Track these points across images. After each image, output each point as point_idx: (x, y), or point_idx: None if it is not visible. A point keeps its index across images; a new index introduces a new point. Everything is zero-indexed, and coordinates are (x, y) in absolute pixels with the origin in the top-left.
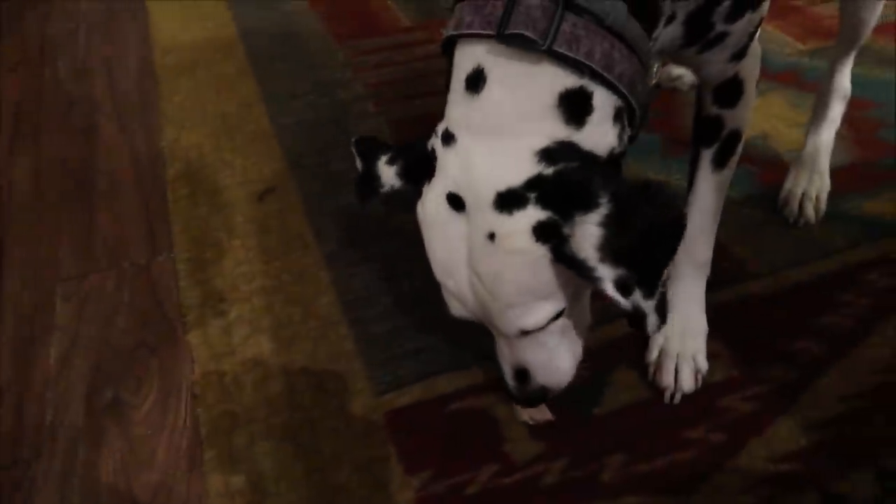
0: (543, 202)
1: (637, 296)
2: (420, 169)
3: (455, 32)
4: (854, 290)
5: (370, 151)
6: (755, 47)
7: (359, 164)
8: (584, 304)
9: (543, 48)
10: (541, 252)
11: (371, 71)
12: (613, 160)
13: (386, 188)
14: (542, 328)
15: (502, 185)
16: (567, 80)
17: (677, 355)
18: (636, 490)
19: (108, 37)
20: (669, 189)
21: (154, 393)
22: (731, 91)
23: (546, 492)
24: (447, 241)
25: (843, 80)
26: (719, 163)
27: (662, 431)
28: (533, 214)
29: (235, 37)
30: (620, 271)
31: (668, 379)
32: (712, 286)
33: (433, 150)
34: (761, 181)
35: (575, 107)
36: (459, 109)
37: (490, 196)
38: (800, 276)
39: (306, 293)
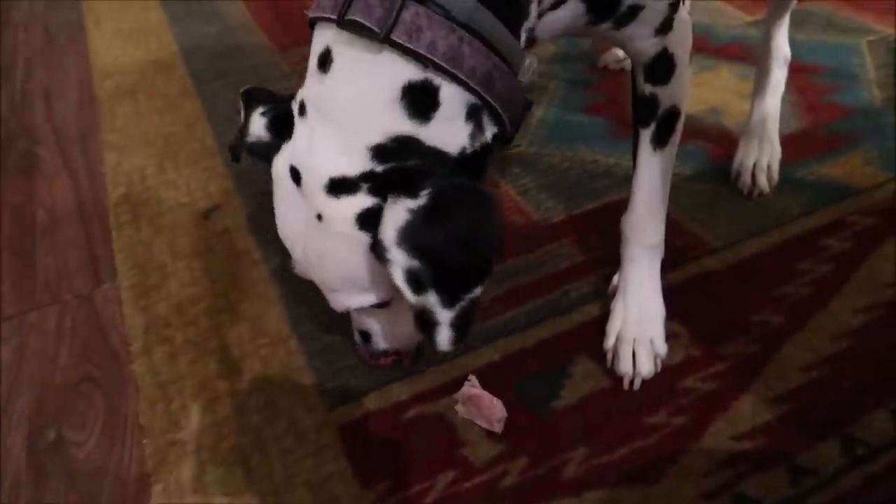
0: (374, 192)
1: (431, 298)
2: (286, 124)
3: (312, 14)
4: (812, 258)
5: (253, 103)
6: (684, 18)
7: (242, 115)
8: None
9: (381, 37)
10: (363, 240)
11: None
12: (467, 160)
13: (252, 138)
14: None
15: (336, 173)
16: (410, 72)
17: (634, 340)
18: (599, 482)
19: (48, 66)
20: (498, 204)
21: (99, 428)
22: (662, 67)
23: (507, 494)
24: (289, 210)
25: (782, 44)
26: (660, 141)
27: (624, 419)
28: (361, 202)
29: (177, 56)
30: (414, 263)
31: (625, 365)
32: (667, 265)
33: (291, 114)
34: (713, 156)
35: (418, 101)
36: (312, 86)
37: (323, 180)
38: (756, 247)
39: (254, 310)
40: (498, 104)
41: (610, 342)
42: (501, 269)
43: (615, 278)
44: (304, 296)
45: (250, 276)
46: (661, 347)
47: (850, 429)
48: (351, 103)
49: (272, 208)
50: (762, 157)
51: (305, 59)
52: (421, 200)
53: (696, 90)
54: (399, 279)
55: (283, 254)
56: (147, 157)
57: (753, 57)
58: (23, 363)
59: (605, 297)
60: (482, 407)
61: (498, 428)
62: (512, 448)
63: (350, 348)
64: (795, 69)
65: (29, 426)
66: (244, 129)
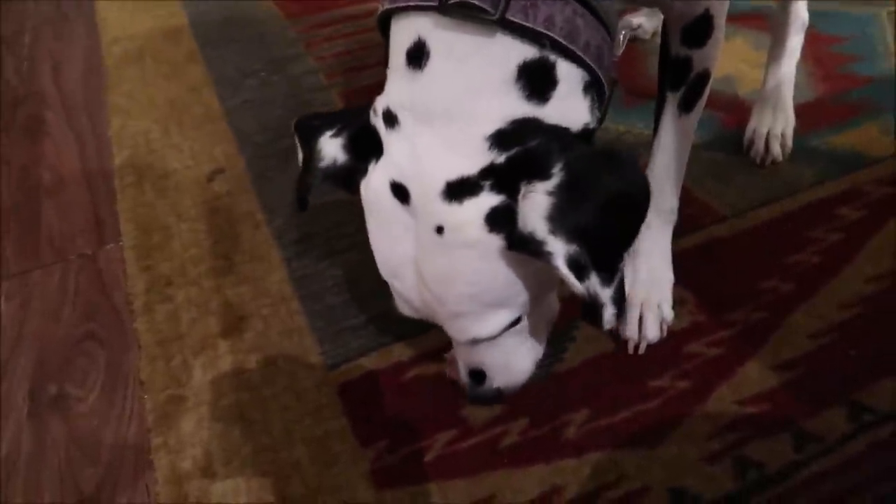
0: (498, 188)
1: (594, 282)
2: (367, 143)
3: (392, 6)
4: (823, 226)
5: (313, 131)
6: None
7: (300, 151)
8: (549, 300)
9: (496, 18)
10: (495, 244)
11: (322, 44)
12: (588, 135)
13: (327, 162)
14: (496, 336)
15: (453, 175)
16: (524, 51)
17: (641, 304)
18: (601, 444)
19: (56, 33)
20: (635, 160)
21: (100, 384)
22: (701, 29)
23: (506, 453)
24: (391, 236)
25: (800, 8)
26: (687, 106)
27: (627, 383)
28: (486, 201)
29: (185, 23)
30: (573, 248)
31: (632, 329)
32: (676, 232)
33: (375, 129)
34: (727, 125)
35: (536, 81)
36: (401, 88)
37: (439, 186)
38: (767, 215)
39: (257, 271)
40: (606, 80)
41: None
42: None
43: None
44: (307, 258)
45: (253, 238)
46: (669, 313)
47: (857, 395)
48: (459, 96)
49: (276, 169)
50: (776, 124)
51: (313, 27)
52: (556, 179)
53: None
54: (563, 270)
55: (286, 215)
56: (152, 120)
57: (769, 26)
58: (26, 320)
59: None
60: None
61: None
62: (512, 409)
63: (349, 310)
64: (813, 38)
65: (31, 381)
66: (309, 167)
